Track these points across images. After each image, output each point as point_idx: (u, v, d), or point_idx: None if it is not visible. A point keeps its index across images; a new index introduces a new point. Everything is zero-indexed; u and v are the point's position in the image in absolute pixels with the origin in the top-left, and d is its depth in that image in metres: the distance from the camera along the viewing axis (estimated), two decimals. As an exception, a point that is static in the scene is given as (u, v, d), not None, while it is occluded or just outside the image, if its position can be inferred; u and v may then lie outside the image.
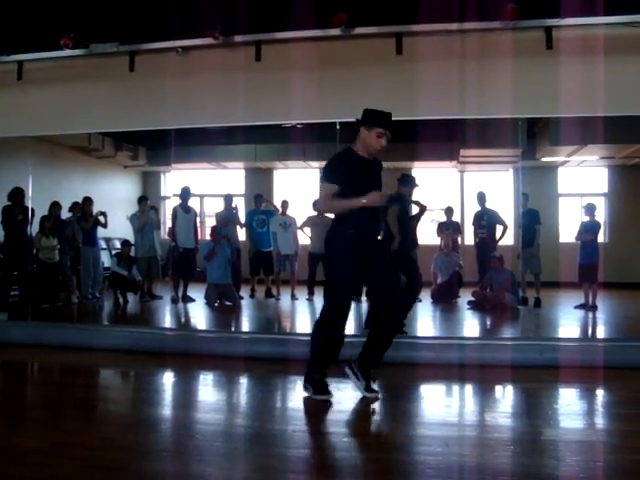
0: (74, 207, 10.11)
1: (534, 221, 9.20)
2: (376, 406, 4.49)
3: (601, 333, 8.17)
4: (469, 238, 11.06)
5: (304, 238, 10.53)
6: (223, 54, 6.43)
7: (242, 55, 6.39)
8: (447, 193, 12.82)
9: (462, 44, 6.03)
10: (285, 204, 10.59)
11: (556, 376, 5.14)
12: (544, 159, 11.74)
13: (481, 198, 10.01)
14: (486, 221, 9.90)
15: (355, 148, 4.56)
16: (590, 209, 9.28)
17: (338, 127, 6.55)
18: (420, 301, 9.81)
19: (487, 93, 6.12)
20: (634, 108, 6.07)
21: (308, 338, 4.58)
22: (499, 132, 9.16)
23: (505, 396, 4.99)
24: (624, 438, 3.67)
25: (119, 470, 3.11)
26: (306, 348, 4.69)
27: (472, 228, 10.32)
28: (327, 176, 4.51)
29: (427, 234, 10.59)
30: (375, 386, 4.55)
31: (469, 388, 5.14)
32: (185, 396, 4.99)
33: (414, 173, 13.10)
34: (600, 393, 4.96)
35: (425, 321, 9.02)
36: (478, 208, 10.16)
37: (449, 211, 10.83)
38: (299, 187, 12.98)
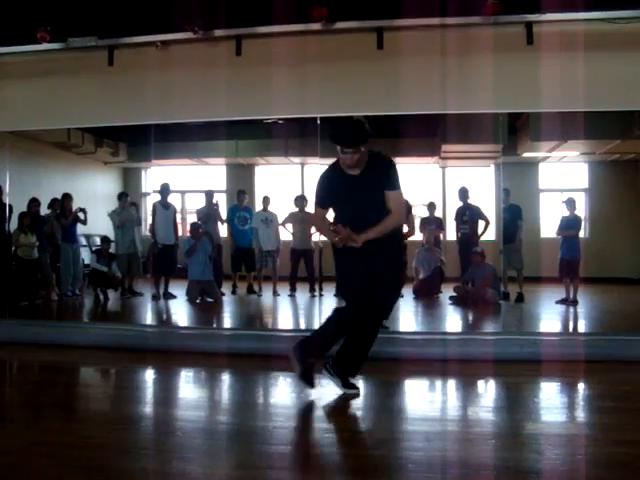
0: (53, 203, 10.00)
1: (516, 216, 9.25)
2: (358, 401, 4.50)
3: (582, 327, 8.24)
4: (451, 233, 11.09)
5: (286, 234, 10.50)
6: (203, 49, 6.38)
7: (222, 50, 6.34)
8: (429, 189, 12.84)
9: (443, 39, 6.03)
10: (267, 200, 10.55)
11: (537, 370, 5.16)
12: (525, 155, 11.79)
13: (463, 193, 10.04)
14: (468, 216, 9.92)
15: (340, 163, 4.41)
16: (571, 204, 9.33)
17: (319, 122, 6.54)
18: (402, 297, 9.82)
19: (468, 88, 6.13)
20: (614, 104, 6.12)
21: (290, 334, 4.56)
22: (480, 127, 9.18)
23: (487, 390, 5.00)
24: (605, 431, 3.69)
25: (98, 469, 3.07)
26: (286, 344, 4.65)
27: (454, 223, 10.34)
28: (315, 199, 4.53)
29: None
30: (355, 381, 4.51)
31: (451, 383, 5.15)
32: (166, 393, 4.95)
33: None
34: (581, 387, 4.99)
35: (407, 316, 9.02)
36: (460, 203, 10.19)
37: (431, 207, 10.84)
38: (281, 183, 12.95)
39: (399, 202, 4.38)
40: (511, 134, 10.30)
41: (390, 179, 4.34)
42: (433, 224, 10.64)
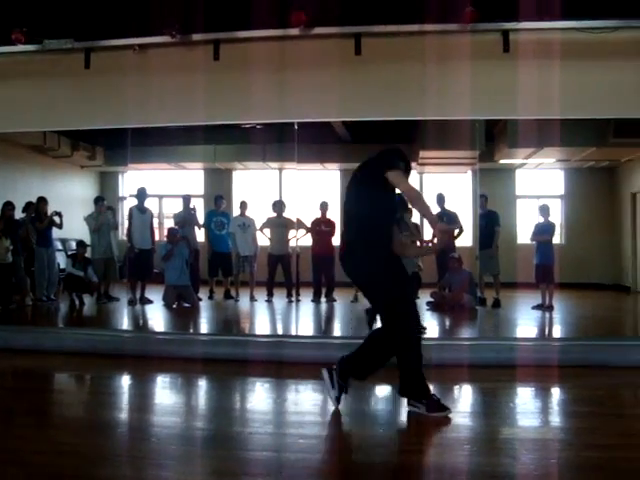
0: (28, 207, 9.90)
1: (493, 222, 9.32)
2: (327, 408, 4.50)
3: (557, 332, 8.30)
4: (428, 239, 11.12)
5: (263, 239, 10.48)
6: (181, 53, 6.38)
7: (201, 54, 6.34)
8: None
9: (421, 46, 6.07)
10: (244, 205, 10.53)
11: (513, 375, 5.18)
12: (502, 161, 11.91)
13: (440, 199, 10.09)
14: (445, 222, 9.95)
15: None
16: (544, 210, 9.43)
17: (296, 127, 6.55)
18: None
19: (446, 95, 6.18)
20: (589, 112, 6.21)
21: (267, 339, 4.51)
22: (458, 134, 9.26)
23: (463, 396, 5.02)
24: (579, 435, 3.72)
25: (70, 477, 3.03)
26: (263, 350, 4.62)
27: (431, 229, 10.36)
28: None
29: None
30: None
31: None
32: (142, 399, 4.91)
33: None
34: (556, 391, 5.03)
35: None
36: (437, 209, 10.23)
37: (408, 212, 10.86)
38: (259, 188, 12.93)
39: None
40: (488, 141, 10.41)
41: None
42: (408, 230, 10.66)
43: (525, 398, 4.83)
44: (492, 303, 9.23)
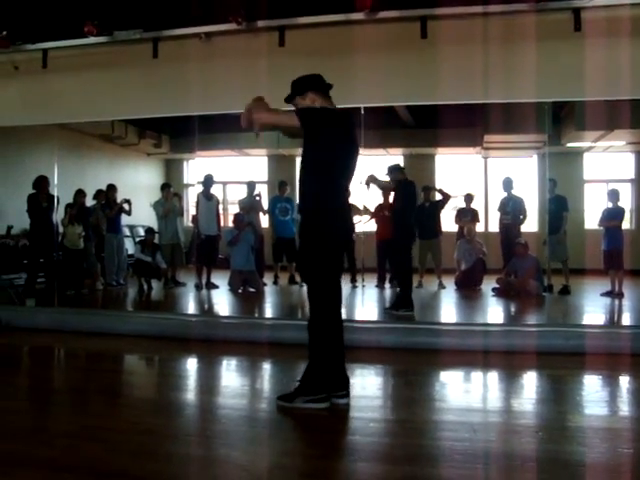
0: (98, 194, 10.18)
1: (561, 207, 9.11)
2: (400, 392, 4.52)
3: (627, 320, 8.08)
4: (493, 224, 10.99)
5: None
6: (246, 39, 6.40)
7: (265, 40, 6.36)
8: (470, 179, 12.74)
9: (487, 27, 5.94)
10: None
11: (582, 363, 5.09)
12: (569, 144, 11.60)
13: (507, 184, 9.94)
14: (511, 207, 9.83)
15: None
16: (614, 195, 9.15)
17: (363, 112, 6.51)
18: (444, 287, 9.79)
19: (512, 77, 6.03)
20: (663, 91, 5.96)
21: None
22: (524, 117, 9.08)
23: (531, 383, 4.94)
24: (653, 425, 3.63)
25: (147, 454, 3.13)
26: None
27: (497, 214, 10.25)
28: None
29: (448, 221, 10.57)
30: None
31: (494, 374, 5.11)
32: (210, 381, 5.01)
33: (437, 159, 13.09)
34: (627, 380, 4.90)
35: (449, 308, 8.98)
36: (503, 194, 10.09)
37: (468, 198, 10.75)
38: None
39: None
40: (555, 123, 10.17)
41: None
42: (469, 215, 10.56)
43: (595, 386, 4.73)
44: (560, 290, 9.03)
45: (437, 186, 10.00)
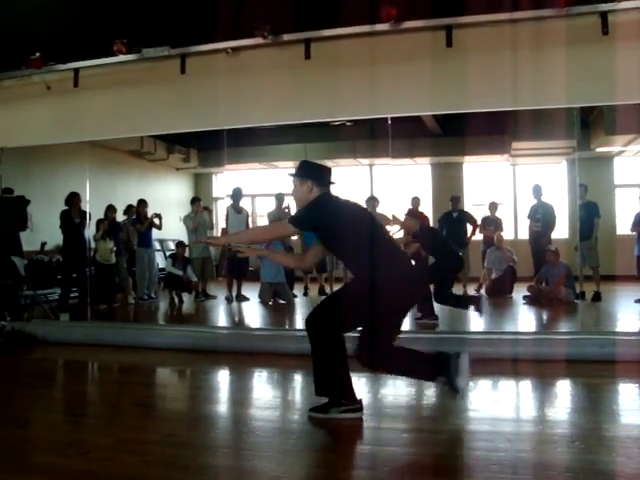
0: (128, 209, 10.31)
1: (593, 213, 9.00)
2: (431, 402, 4.49)
3: (663, 327, 7.93)
4: (523, 232, 10.91)
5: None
6: (272, 53, 6.46)
7: (291, 54, 6.40)
8: (499, 187, 12.67)
9: (513, 34, 5.92)
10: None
11: (617, 371, 5.01)
12: (599, 149, 11.46)
13: (537, 191, 9.86)
14: (541, 214, 9.74)
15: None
16: (645, 199, 9.05)
17: (389, 122, 6.52)
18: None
19: (540, 83, 5.98)
20: (693, 93, 5.87)
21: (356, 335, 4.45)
22: (552, 123, 9.01)
23: (565, 391, 4.87)
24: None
25: (181, 466, 3.15)
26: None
27: (526, 222, 10.17)
28: None
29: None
30: None
31: (527, 383, 5.05)
32: (241, 393, 5.02)
33: (465, 167, 13.03)
34: (664, 388, 4.81)
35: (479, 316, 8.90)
36: (532, 201, 10.01)
37: (492, 206, 10.69)
38: (350, 184, 12.97)
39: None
40: (584, 128, 10.07)
41: None
42: (493, 224, 10.49)
43: (631, 395, 4.64)
44: (592, 296, 8.91)
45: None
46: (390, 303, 3.76)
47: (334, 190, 4.24)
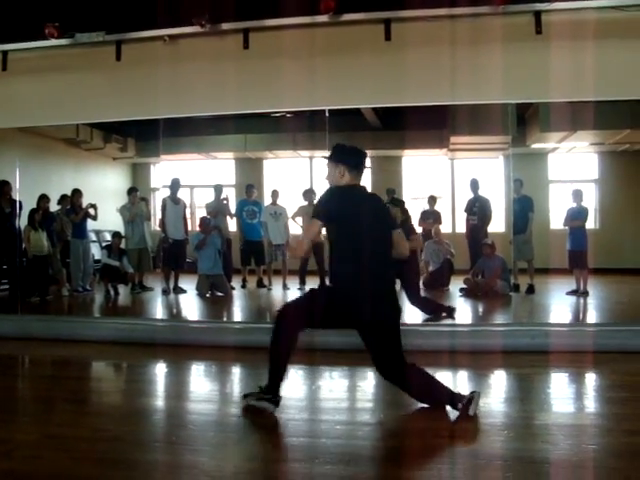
0: (63, 199, 10.03)
1: (527, 208, 9.20)
2: (369, 394, 4.53)
3: (593, 318, 8.19)
4: (460, 225, 11.08)
5: (295, 227, 10.50)
6: (211, 42, 6.37)
7: (230, 43, 6.33)
8: (437, 181, 12.82)
9: (452, 29, 6.00)
10: (275, 194, 10.55)
11: (548, 361, 5.15)
12: (534, 146, 11.74)
13: (474, 185, 10.02)
14: (478, 208, 9.91)
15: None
16: (577, 195, 9.29)
17: (327, 115, 6.51)
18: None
19: (477, 78, 6.09)
20: (624, 93, 6.06)
21: None
22: (489, 119, 9.15)
23: (498, 382, 4.99)
24: (617, 421, 3.68)
25: (112, 461, 3.09)
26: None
27: (464, 215, 10.33)
28: None
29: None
30: None
31: (461, 374, 5.13)
32: (177, 386, 4.97)
33: (404, 161, 13.16)
34: (592, 377, 4.98)
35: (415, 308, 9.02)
36: (469, 195, 10.17)
37: (431, 200, 10.84)
38: (289, 177, 12.96)
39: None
40: (520, 125, 10.26)
41: None
42: (431, 217, 10.64)
43: (561, 384, 4.79)
44: (526, 289, 9.13)
45: None
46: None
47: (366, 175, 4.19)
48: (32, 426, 3.74)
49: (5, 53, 6.90)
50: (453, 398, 3.76)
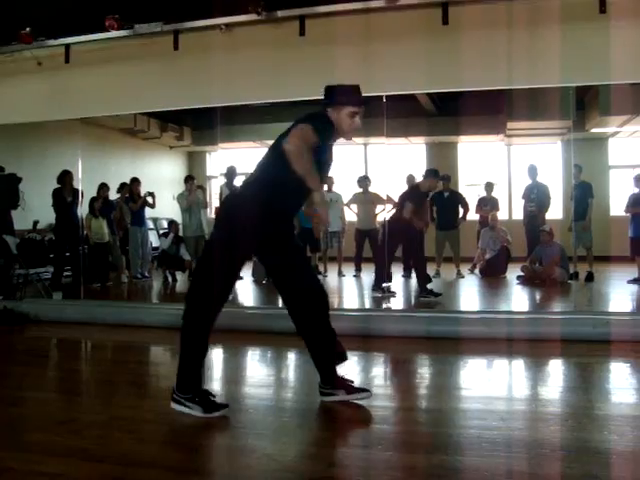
0: (122, 188, 10.25)
1: (587, 194, 9.00)
2: (425, 380, 4.51)
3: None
4: (517, 212, 10.92)
5: (351, 215, 10.49)
6: (267, 30, 6.39)
7: (286, 30, 6.35)
8: (493, 167, 12.65)
9: (509, 12, 5.87)
10: (330, 180, 10.55)
11: (610, 351, 5.02)
12: (594, 130, 11.44)
13: (532, 171, 9.86)
14: (536, 195, 9.74)
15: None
16: (639, 180, 9.03)
17: (385, 101, 6.47)
18: (462, 277, 9.77)
19: (535, 62, 5.94)
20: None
21: (355, 314, 4.45)
22: (547, 103, 8.97)
23: (558, 370, 4.89)
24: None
25: (176, 444, 3.16)
26: (353, 324, 4.61)
27: (521, 202, 10.17)
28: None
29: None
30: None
31: (520, 362, 5.06)
32: (235, 371, 5.03)
33: (459, 147, 13.00)
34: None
35: (473, 296, 8.94)
36: (526, 181, 10.01)
37: (489, 187, 10.69)
38: (345, 164, 12.93)
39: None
40: (579, 109, 10.03)
41: None
42: (489, 204, 10.50)
43: (624, 374, 4.66)
44: (585, 277, 8.94)
45: None
46: None
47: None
48: (99, 407, 3.84)
49: (68, 46, 7.07)
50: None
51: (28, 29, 6.80)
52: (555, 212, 10.43)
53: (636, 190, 9.04)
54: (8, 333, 6.44)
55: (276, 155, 3.44)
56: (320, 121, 3.51)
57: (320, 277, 10.06)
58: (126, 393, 4.25)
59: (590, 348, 5.10)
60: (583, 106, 10.66)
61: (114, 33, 6.61)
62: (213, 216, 11.10)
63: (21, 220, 8.66)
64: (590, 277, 8.94)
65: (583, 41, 5.76)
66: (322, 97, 3.71)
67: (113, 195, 10.17)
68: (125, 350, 5.81)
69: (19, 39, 6.91)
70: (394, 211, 8.29)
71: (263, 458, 2.95)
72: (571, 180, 8.83)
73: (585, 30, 5.74)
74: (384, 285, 7.94)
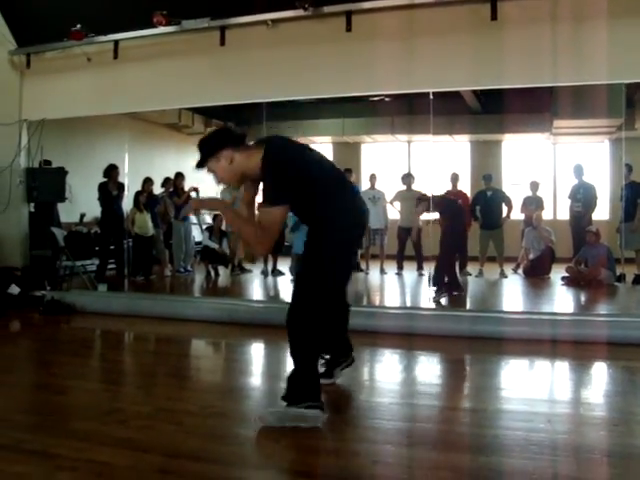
0: (166, 182, 10.37)
1: (636, 194, 8.78)
2: (469, 381, 4.47)
3: None
4: (562, 212, 10.74)
5: (393, 212, 10.44)
6: (313, 25, 6.39)
7: (332, 26, 6.32)
8: (538, 166, 12.46)
9: (556, 6, 5.75)
10: (373, 178, 10.52)
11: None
12: (643, 129, 11.16)
13: (578, 171, 9.69)
14: (582, 194, 9.57)
15: None
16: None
17: (432, 98, 6.41)
18: (505, 277, 9.65)
19: (584, 58, 5.79)
20: None
21: (397, 311, 4.41)
22: (595, 101, 8.79)
23: (605, 374, 4.78)
24: None
25: (220, 437, 3.17)
26: (394, 322, 4.57)
27: (566, 202, 10.01)
28: None
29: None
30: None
31: (565, 365, 4.96)
32: (276, 366, 5.02)
33: (504, 145, 12.84)
34: None
35: (516, 296, 8.82)
36: (572, 181, 9.84)
37: (534, 186, 10.53)
38: (387, 161, 12.89)
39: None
40: (628, 107, 9.80)
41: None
42: (534, 204, 10.35)
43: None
44: (633, 279, 8.73)
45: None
46: None
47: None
48: (143, 398, 3.90)
49: (116, 42, 7.17)
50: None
51: (79, 26, 6.93)
52: (601, 213, 10.23)
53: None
54: (54, 323, 6.57)
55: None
56: None
57: (362, 274, 10.06)
58: (169, 385, 4.29)
59: (638, 352, 4.98)
60: (633, 104, 10.41)
61: (162, 29, 6.69)
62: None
63: (68, 213, 8.83)
64: (638, 280, 8.73)
65: (633, 36, 5.60)
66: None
67: (157, 189, 10.29)
68: (168, 343, 5.87)
69: (70, 36, 7.05)
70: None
71: (309, 453, 2.96)
72: (619, 180, 8.65)
73: (635, 24, 5.59)
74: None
